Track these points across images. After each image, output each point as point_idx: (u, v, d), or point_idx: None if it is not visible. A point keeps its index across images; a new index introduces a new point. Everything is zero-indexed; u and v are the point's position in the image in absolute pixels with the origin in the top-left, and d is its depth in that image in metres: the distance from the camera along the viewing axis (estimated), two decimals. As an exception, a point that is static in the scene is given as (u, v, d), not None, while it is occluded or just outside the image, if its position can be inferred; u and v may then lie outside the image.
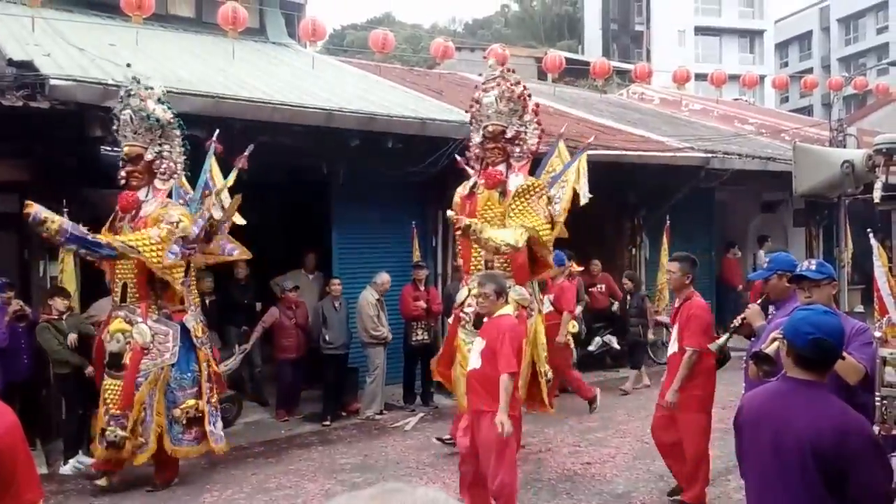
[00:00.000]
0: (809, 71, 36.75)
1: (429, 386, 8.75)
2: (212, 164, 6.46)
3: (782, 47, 46.36)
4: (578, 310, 9.17)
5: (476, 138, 6.82)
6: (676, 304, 5.40)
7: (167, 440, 5.96)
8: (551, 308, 8.11)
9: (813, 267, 3.89)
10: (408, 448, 7.12)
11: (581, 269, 9.46)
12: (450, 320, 6.93)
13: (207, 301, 8.48)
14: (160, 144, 6.18)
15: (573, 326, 8.39)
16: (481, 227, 5.89)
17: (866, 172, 5.99)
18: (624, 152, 10.35)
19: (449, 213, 6.09)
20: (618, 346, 10.36)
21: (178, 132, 6.27)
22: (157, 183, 6.23)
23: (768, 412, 2.73)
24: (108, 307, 7.01)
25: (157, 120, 6.09)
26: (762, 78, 28.18)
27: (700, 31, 40.07)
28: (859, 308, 12.83)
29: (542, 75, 18.26)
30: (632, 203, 11.62)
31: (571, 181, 7.03)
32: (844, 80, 19.72)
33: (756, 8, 41.81)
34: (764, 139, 14.52)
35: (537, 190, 6.53)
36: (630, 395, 9.13)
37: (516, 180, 6.53)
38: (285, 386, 8.43)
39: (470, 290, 6.42)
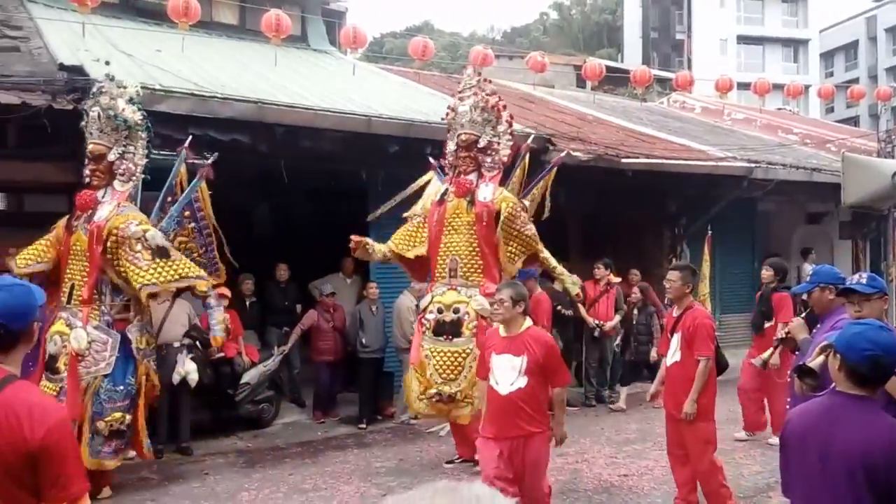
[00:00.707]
0: (855, 81, 35.92)
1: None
2: (199, 187, 6.22)
3: (827, 57, 45.43)
4: (617, 319, 9.06)
5: (450, 146, 6.80)
6: (675, 314, 5.29)
7: (85, 451, 5.51)
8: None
9: (864, 280, 3.78)
10: (442, 453, 7.10)
11: (619, 279, 9.33)
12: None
13: (248, 303, 8.63)
14: (124, 145, 5.95)
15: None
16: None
17: (918, 184, 5.85)
18: (664, 161, 10.23)
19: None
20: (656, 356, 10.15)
21: (143, 135, 6.04)
22: (115, 184, 5.98)
23: (817, 427, 2.67)
24: (153, 306, 7.17)
25: (125, 121, 5.90)
26: (807, 88, 27.68)
27: (742, 39, 39.54)
28: (908, 323, 12.48)
29: (580, 83, 18.20)
30: (672, 212, 11.47)
31: (538, 196, 7.08)
32: (893, 90, 19.27)
33: (800, 17, 41.13)
34: (809, 149, 14.23)
35: (521, 212, 6.61)
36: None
37: (486, 190, 6.55)
38: (322, 388, 8.49)
39: (433, 297, 6.49)
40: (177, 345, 7.09)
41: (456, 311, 6.39)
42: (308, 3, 13.09)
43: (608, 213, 11.44)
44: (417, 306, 8.20)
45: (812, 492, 2.66)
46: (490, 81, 6.97)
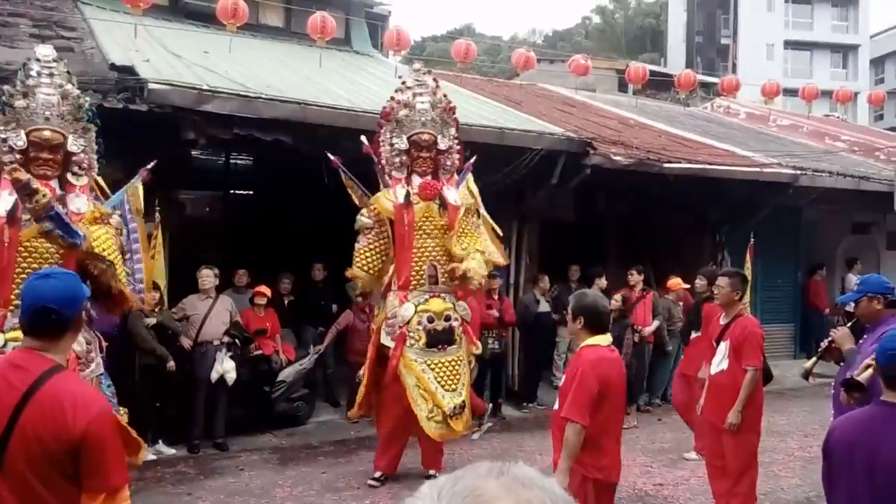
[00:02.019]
0: (908, 88, 34.95)
1: (497, 396, 8.72)
2: (138, 186, 5.84)
3: (878, 63, 44.19)
4: (655, 324, 8.96)
5: (400, 144, 6.33)
6: (724, 321, 5.19)
7: None
8: None
9: (915, 291, 3.70)
10: (475, 457, 7.10)
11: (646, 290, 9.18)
12: (390, 340, 6.32)
13: (286, 301, 8.73)
14: (82, 136, 5.43)
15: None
16: (469, 267, 6.03)
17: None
18: (707, 166, 10.08)
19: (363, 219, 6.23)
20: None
21: (92, 125, 5.54)
22: (70, 177, 5.37)
23: (860, 437, 2.66)
24: (197, 303, 7.32)
25: (82, 107, 5.38)
26: (856, 94, 26.99)
27: (790, 44, 38.72)
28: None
29: (622, 87, 18.03)
30: (714, 219, 11.28)
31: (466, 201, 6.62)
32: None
33: (851, 22, 40.16)
34: (857, 157, 13.88)
35: (471, 210, 6.48)
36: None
37: (453, 193, 6.34)
38: (356, 388, 8.53)
39: (417, 308, 6.16)
40: (216, 342, 7.21)
41: (447, 318, 6.22)
42: (352, 5, 13.23)
43: (648, 218, 11.31)
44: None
45: (851, 499, 2.65)
46: (437, 82, 6.65)
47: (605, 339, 3.79)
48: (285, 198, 11.00)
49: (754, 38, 37.32)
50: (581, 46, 39.55)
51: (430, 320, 6.15)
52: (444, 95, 6.53)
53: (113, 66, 7.36)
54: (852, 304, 4.35)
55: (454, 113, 6.55)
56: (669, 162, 9.66)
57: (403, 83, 6.54)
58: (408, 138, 6.32)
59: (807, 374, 4.67)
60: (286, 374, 7.83)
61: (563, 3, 78.26)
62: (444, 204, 6.26)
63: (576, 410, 3.60)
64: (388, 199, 6.32)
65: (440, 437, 6.22)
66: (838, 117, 21.97)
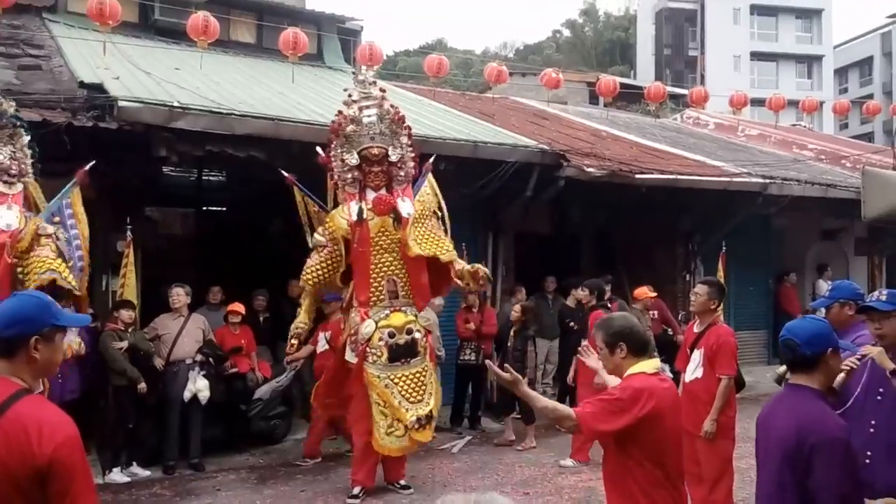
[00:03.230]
0: (870, 97, 35.70)
1: (476, 409, 8.71)
2: (73, 193, 5.86)
3: (841, 73, 45.28)
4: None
5: (351, 160, 6.22)
6: (698, 330, 5.22)
7: None
8: (327, 346, 7.28)
9: (883, 297, 3.74)
10: (455, 471, 7.08)
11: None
12: (354, 356, 6.29)
13: (261, 318, 8.65)
14: (9, 143, 5.42)
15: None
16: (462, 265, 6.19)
17: (938, 199, 5.81)
18: (679, 177, 10.21)
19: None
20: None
21: (22, 130, 5.56)
22: (1, 187, 5.38)
23: (764, 417, 2.96)
24: (168, 322, 7.23)
25: (11, 117, 5.40)
26: (821, 104, 27.56)
27: (756, 56, 39.55)
28: (925, 341, 12.34)
29: (593, 100, 18.24)
30: (686, 229, 11.43)
31: (430, 203, 6.60)
32: (909, 105, 19.12)
33: (814, 33, 41.13)
34: (824, 165, 14.16)
35: (427, 213, 6.46)
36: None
37: (407, 206, 6.27)
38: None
39: (378, 324, 6.11)
40: (189, 361, 7.11)
41: (409, 332, 6.16)
42: (324, 21, 13.27)
43: (622, 229, 11.42)
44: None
45: (758, 475, 2.94)
46: (384, 91, 6.59)
47: (650, 366, 3.07)
48: (259, 214, 10.93)
49: (721, 50, 38.05)
50: (552, 60, 39.96)
51: (392, 335, 6.10)
52: (392, 106, 6.42)
53: (82, 84, 7.29)
54: (823, 310, 4.40)
55: (404, 122, 6.44)
56: (642, 173, 9.77)
57: (350, 96, 6.42)
58: (358, 153, 6.23)
59: (780, 380, 4.69)
60: (262, 391, 7.75)
61: (534, 17, 79.00)
62: (398, 217, 6.18)
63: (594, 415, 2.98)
64: (343, 216, 6.26)
65: (400, 451, 6.19)
66: (805, 126, 22.38)
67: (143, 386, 6.70)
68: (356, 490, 6.22)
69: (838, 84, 44.45)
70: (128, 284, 7.13)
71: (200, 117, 6.92)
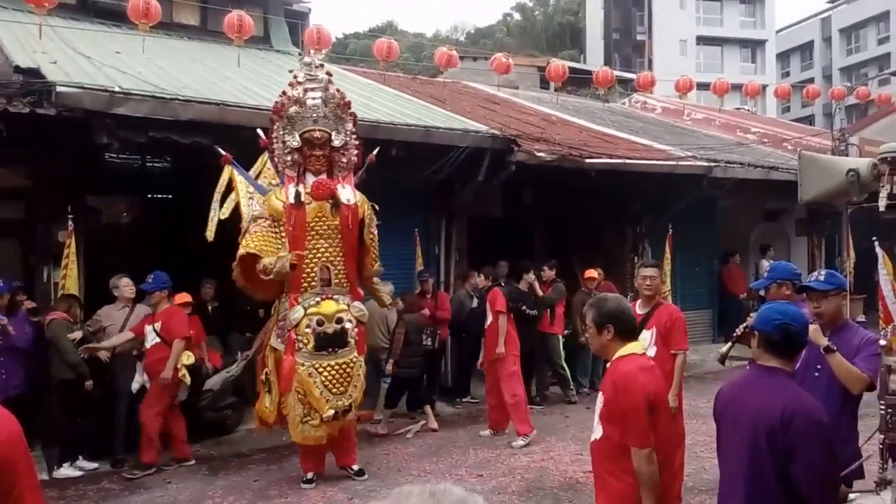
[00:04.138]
0: (811, 81, 36.76)
1: (432, 393, 8.75)
2: None
3: (784, 57, 46.49)
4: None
5: (292, 142, 6.11)
6: (641, 310, 5.20)
7: None
8: (157, 340, 6.75)
9: (822, 277, 3.88)
10: (410, 455, 7.11)
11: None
12: (280, 342, 6.22)
13: (210, 308, 8.52)
14: None
15: (188, 357, 6.84)
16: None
17: (871, 181, 5.99)
18: (626, 161, 10.37)
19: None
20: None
21: None
22: None
23: (732, 399, 2.91)
24: (113, 313, 7.06)
25: None
26: (764, 87, 28.24)
27: (702, 40, 40.26)
28: (861, 318, 12.82)
29: (544, 84, 18.33)
30: (634, 211, 11.64)
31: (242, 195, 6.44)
32: (846, 89, 19.74)
33: (757, 18, 42.02)
34: (766, 148, 14.54)
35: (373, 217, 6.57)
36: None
37: (347, 192, 6.20)
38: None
39: (306, 310, 6.01)
40: (135, 353, 6.96)
41: (339, 321, 6.02)
42: (270, 3, 12.99)
43: (572, 212, 11.56)
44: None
45: (726, 458, 2.88)
46: (331, 74, 6.41)
47: (638, 347, 3.31)
48: (206, 201, 10.70)
49: (668, 34, 38.60)
50: (503, 43, 40.04)
51: (320, 323, 5.97)
52: (338, 90, 6.29)
53: (17, 69, 7.01)
54: (764, 290, 4.54)
55: (350, 108, 6.32)
56: (591, 157, 9.89)
57: (295, 77, 6.26)
58: (300, 135, 6.10)
59: (723, 359, 4.83)
60: (213, 382, 7.64)
61: (484, 0, 78.90)
62: (336, 204, 6.08)
63: (636, 435, 3.04)
64: (279, 198, 6.14)
65: (315, 441, 6.11)
66: (748, 110, 22.93)
67: (90, 383, 6.56)
68: (309, 475, 6.21)
69: (781, 68, 45.64)
70: (70, 276, 6.94)
71: (143, 103, 6.74)
